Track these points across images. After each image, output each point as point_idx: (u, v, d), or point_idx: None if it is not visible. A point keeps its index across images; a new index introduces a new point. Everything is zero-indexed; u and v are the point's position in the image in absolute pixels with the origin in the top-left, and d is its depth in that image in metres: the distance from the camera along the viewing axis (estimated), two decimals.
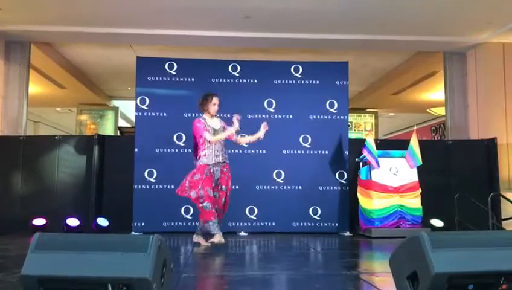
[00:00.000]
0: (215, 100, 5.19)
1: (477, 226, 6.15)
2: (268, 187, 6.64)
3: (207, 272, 3.91)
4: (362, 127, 12.53)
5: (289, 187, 6.64)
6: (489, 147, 7.11)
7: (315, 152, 6.72)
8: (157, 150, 6.55)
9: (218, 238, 4.86)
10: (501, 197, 6.60)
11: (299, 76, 6.83)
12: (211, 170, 5.01)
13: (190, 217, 6.45)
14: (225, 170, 5.12)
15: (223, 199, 5.11)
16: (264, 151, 6.66)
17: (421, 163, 6.32)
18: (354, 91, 11.19)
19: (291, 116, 6.75)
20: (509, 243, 2.72)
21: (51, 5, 6.46)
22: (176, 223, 6.46)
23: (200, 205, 4.93)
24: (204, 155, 5.02)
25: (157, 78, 6.65)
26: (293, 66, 6.85)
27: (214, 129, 5.10)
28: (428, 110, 12.28)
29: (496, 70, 7.48)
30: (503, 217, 6.75)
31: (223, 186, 5.10)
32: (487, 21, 6.86)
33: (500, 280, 2.57)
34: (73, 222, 6.51)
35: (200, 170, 4.99)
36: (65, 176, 6.84)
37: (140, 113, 6.60)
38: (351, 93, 7.66)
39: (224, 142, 5.21)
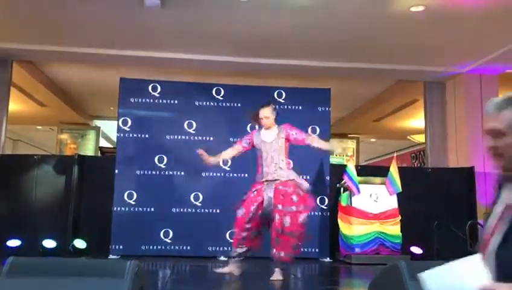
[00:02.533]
0: (261, 113, 4.86)
1: (456, 253, 6.19)
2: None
3: None
4: (344, 152, 12.62)
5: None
6: (467, 175, 7.23)
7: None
8: (138, 172, 6.50)
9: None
10: (479, 225, 6.68)
11: (282, 101, 6.90)
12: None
13: (169, 241, 6.37)
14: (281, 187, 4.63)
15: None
16: (246, 175, 6.64)
17: (401, 190, 6.39)
18: (336, 117, 11.30)
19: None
20: None
21: (33, 23, 6.43)
22: (155, 247, 6.37)
23: None
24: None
25: (140, 100, 6.64)
26: (277, 91, 6.92)
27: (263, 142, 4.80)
28: (408, 137, 12.45)
29: (474, 101, 7.65)
30: None
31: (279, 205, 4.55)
32: (466, 53, 7.05)
33: None
34: (49, 243, 6.37)
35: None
36: (43, 196, 6.71)
37: (121, 135, 6.56)
38: (332, 118, 7.74)
39: (274, 158, 4.76)
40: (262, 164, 4.74)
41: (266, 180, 4.66)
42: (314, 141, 4.87)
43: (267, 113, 4.84)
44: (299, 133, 4.85)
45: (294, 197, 4.56)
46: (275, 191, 4.57)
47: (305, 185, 4.80)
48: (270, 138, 4.80)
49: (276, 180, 4.63)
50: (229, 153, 5.01)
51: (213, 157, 4.91)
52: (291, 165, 4.98)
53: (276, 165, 4.68)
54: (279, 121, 6.81)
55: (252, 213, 4.54)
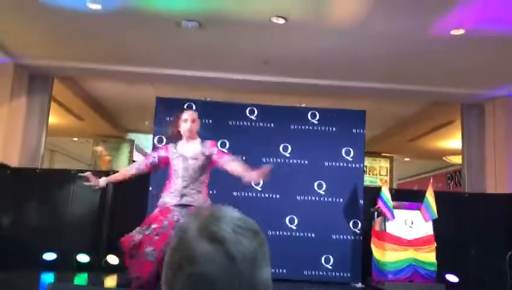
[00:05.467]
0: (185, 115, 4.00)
1: (495, 283, 5.99)
2: (281, 233, 6.57)
3: None
4: (377, 171, 12.44)
5: (302, 234, 6.57)
6: (506, 202, 6.99)
7: (329, 199, 6.66)
8: None
9: None
10: None
11: (316, 122, 6.86)
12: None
13: None
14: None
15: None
16: (278, 196, 6.62)
17: (437, 216, 6.22)
18: (370, 135, 11.15)
19: (306, 162, 6.73)
20: None
21: (74, 42, 6.62)
22: None
23: None
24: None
25: None
26: (310, 112, 6.89)
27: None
28: (444, 158, 12.17)
29: None
30: None
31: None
32: (504, 76, 6.86)
33: None
34: (83, 258, 6.48)
35: None
36: (78, 210, 6.86)
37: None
38: (366, 136, 7.65)
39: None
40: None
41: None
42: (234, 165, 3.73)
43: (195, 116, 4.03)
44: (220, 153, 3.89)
45: None
46: None
47: None
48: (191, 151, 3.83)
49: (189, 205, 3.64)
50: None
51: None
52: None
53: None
54: (313, 141, 6.78)
55: None
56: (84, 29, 6.10)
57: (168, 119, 6.71)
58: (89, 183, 3.86)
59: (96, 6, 5.38)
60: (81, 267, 6.32)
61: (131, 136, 13.09)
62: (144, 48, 6.68)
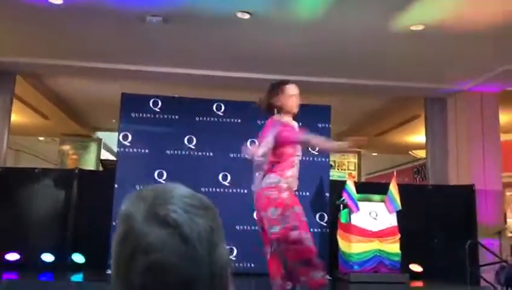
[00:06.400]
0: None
1: (456, 272, 6.17)
2: (249, 227, 6.60)
3: None
4: (345, 166, 12.61)
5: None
6: (467, 193, 7.20)
7: (296, 193, 6.72)
8: (137, 186, 6.49)
9: None
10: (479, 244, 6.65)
11: None
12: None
13: None
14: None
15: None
16: (245, 191, 6.65)
17: (401, 208, 6.36)
18: (337, 130, 11.31)
19: None
20: None
21: (37, 38, 6.50)
22: None
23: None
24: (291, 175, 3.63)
25: (141, 115, 6.67)
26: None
27: None
28: (410, 152, 12.44)
29: (475, 119, 7.66)
30: (481, 264, 6.78)
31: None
32: (466, 70, 7.06)
33: None
34: (48, 257, 6.37)
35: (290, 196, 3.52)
36: (43, 209, 6.72)
37: (122, 149, 6.58)
38: (333, 132, 7.75)
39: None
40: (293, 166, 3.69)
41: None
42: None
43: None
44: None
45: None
46: None
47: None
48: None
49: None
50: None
51: None
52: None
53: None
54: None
55: None
56: (46, 24, 6.00)
57: (133, 115, 6.69)
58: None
59: (58, 1, 5.30)
60: (46, 267, 6.21)
61: (99, 134, 12.92)
62: (108, 44, 6.61)
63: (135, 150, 6.57)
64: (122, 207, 0.83)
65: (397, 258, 6.24)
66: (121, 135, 6.57)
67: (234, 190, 6.63)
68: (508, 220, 11.90)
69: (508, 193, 11.82)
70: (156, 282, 0.73)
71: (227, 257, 0.80)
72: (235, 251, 6.47)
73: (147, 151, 6.59)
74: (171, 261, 0.73)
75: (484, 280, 6.32)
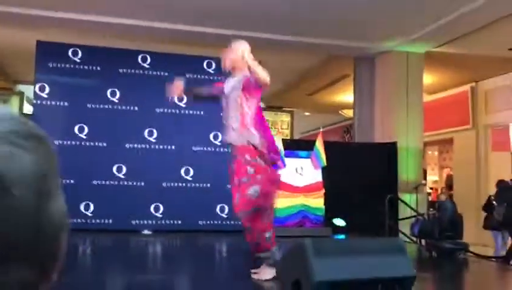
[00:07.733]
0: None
1: (378, 226, 6.43)
2: (176, 184, 6.49)
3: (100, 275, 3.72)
4: (279, 125, 12.68)
5: (197, 185, 6.54)
6: (390, 150, 7.46)
7: (224, 149, 6.64)
8: (56, 142, 6.16)
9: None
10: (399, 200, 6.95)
11: (212, 72, 6.74)
12: None
13: (90, 214, 6.14)
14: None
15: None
16: (173, 147, 6.50)
17: (326, 164, 6.48)
18: (270, 89, 11.27)
19: (202, 113, 6.63)
20: (386, 250, 2.83)
21: None
22: (75, 221, 6.12)
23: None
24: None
25: (59, 65, 6.26)
26: (206, 61, 6.75)
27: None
28: (340, 111, 12.69)
29: (400, 78, 7.85)
30: (400, 217, 7.12)
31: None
32: (393, 30, 7.16)
33: (377, 287, 2.66)
34: None
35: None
36: None
37: (39, 102, 6.18)
38: (267, 91, 7.66)
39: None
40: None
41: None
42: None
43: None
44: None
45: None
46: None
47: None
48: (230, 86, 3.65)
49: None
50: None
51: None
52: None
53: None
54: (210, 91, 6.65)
55: None
56: None
57: (50, 65, 6.26)
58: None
59: None
60: None
61: (21, 88, 12.12)
62: None
63: (53, 102, 6.19)
64: None
65: (321, 213, 6.40)
66: (38, 86, 6.16)
67: (160, 146, 6.45)
68: (428, 177, 12.57)
69: (429, 152, 12.43)
70: None
71: (63, 214, 0.51)
72: (161, 208, 6.37)
73: (66, 104, 6.23)
74: None
75: (401, 232, 6.64)
